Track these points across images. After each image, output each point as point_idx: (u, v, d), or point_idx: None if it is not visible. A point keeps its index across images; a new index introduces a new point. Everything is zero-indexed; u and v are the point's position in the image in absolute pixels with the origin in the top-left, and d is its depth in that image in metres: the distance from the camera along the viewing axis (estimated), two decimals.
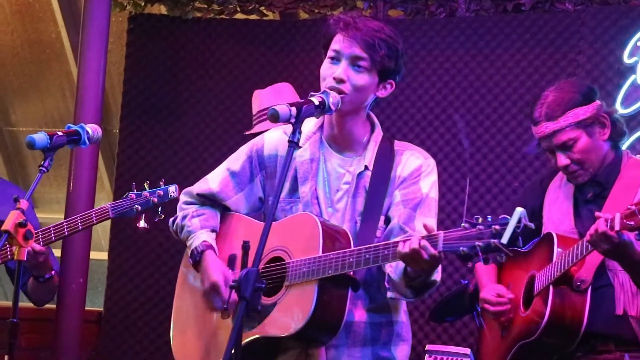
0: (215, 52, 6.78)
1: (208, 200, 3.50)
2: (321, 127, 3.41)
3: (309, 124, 3.40)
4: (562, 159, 3.78)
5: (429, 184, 3.33)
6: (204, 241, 3.41)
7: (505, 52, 6.11)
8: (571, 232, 3.79)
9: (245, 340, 3.18)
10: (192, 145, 6.74)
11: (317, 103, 3.11)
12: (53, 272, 4.28)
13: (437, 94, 6.23)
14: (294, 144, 3.02)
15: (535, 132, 3.85)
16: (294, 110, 3.03)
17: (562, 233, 3.79)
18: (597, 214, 3.46)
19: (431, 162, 3.38)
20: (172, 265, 6.65)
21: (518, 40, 6.08)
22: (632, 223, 3.27)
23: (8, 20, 7.98)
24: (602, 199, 3.77)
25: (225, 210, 3.51)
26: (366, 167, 3.33)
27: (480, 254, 2.83)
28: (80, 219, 4.18)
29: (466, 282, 5.13)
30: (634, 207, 3.28)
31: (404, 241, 3.01)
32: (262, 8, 6.75)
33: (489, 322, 4.06)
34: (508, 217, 2.81)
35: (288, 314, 3.18)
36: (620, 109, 5.62)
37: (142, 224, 4.22)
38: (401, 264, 3.14)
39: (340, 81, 3.23)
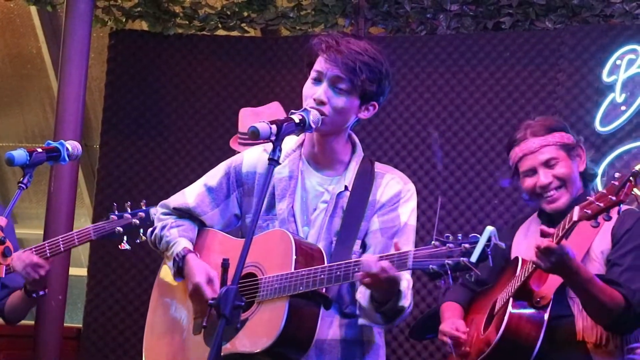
0: (197, 69, 6.78)
1: (185, 214, 3.50)
2: (301, 144, 3.41)
3: (290, 142, 3.39)
4: (545, 176, 3.83)
5: (408, 211, 3.32)
6: (185, 247, 3.40)
7: (485, 70, 6.13)
8: None
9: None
10: (174, 161, 6.73)
11: (297, 121, 3.11)
12: (46, 290, 4.28)
13: (418, 111, 6.25)
14: (274, 162, 3.00)
15: (517, 152, 3.91)
16: (274, 128, 3.02)
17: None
18: (541, 228, 3.52)
19: (411, 188, 3.37)
20: (152, 282, 6.62)
21: (498, 58, 6.11)
22: (589, 212, 3.32)
23: None
24: (568, 234, 3.80)
25: (201, 225, 3.51)
26: (346, 188, 3.32)
27: (449, 272, 2.83)
28: (62, 241, 4.18)
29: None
30: (592, 197, 3.34)
31: (366, 262, 3.00)
32: (243, 25, 6.76)
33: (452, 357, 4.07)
34: (478, 235, 2.81)
35: (259, 330, 3.17)
36: (599, 127, 5.66)
37: (124, 245, 4.22)
38: (369, 290, 3.13)
39: (320, 103, 3.23)
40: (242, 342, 3.19)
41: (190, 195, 3.49)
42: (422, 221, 6.06)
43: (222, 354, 3.17)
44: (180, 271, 3.39)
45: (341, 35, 3.34)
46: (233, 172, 3.45)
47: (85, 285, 6.80)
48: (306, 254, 3.20)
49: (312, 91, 3.26)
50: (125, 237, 4.22)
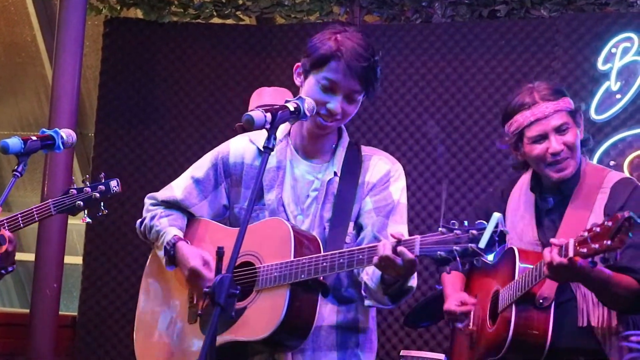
0: (192, 57, 6.78)
1: (174, 206, 3.50)
2: (288, 134, 3.42)
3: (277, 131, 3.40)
4: (557, 143, 3.69)
5: (399, 190, 3.35)
6: (175, 235, 3.39)
7: (480, 58, 6.13)
8: (534, 244, 3.78)
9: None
10: (168, 149, 6.72)
11: (292, 109, 3.10)
12: (15, 266, 4.22)
13: (413, 100, 6.25)
14: (269, 150, 3.00)
15: (528, 117, 3.73)
16: (269, 116, 3.01)
17: (525, 244, 3.79)
18: (551, 240, 3.46)
19: (399, 167, 3.40)
20: None
21: (493, 46, 6.11)
22: (585, 250, 3.26)
23: None
24: (563, 207, 3.76)
25: (190, 217, 3.50)
26: (335, 174, 3.34)
27: (457, 258, 2.85)
28: (21, 217, 4.11)
29: (441, 287, 5.15)
30: (586, 234, 3.27)
31: (382, 246, 3.00)
32: (238, 13, 6.75)
33: (458, 332, 4.07)
34: (484, 222, 2.83)
35: (258, 319, 3.17)
36: (594, 115, 5.67)
37: (86, 219, 4.17)
38: (377, 272, 3.14)
39: (336, 114, 3.26)
40: (242, 330, 3.19)
41: (177, 188, 3.48)
42: (417, 209, 6.07)
43: (220, 342, 3.17)
44: (172, 259, 3.39)
45: (343, 28, 3.32)
46: (220, 163, 3.44)
47: (80, 273, 6.80)
48: (303, 242, 3.21)
49: (323, 99, 3.25)
50: (86, 211, 4.16)
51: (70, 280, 7.54)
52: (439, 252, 2.88)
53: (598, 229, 3.24)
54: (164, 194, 3.51)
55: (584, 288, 3.65)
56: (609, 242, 3.19)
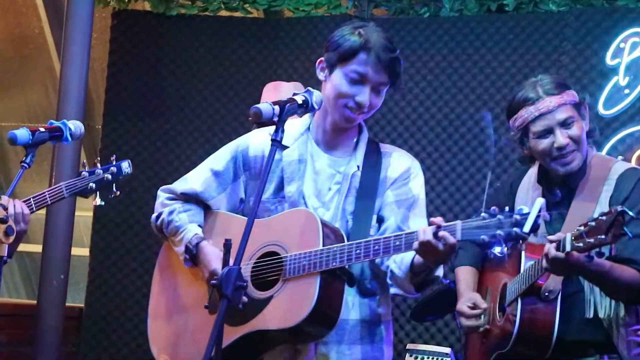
0: (199, 49, 6.78)
1: (191, 198, 3.49)
2: (308, 128, 3.43)
3: (297, 125, 3.42)
4: (563, 137, 3.67)
5: (418, 186, 3.42)
6: (196, 234, 3.40)
7: (488, 52, 6.13)
8: (542, 236, 3.78)
9: (239, 335, 3.20)
10: (175, 141, 6.73)
11: (300, 102, 3.12)
12: (11, 258, 4.21)
13: (421, 93, 6.25)
14: (277, 143, 3.02)
15: (532, 112, 3.70)
16: (277, 108, 3.03)
17: (533, 238, 3.78)
18: (548, 237, 3.45)
19: (417, 164, 3.47)
20: (154, 262, 6.61)
21: (501, 40, 6.10)
22: (581, 245, 3.25)
23: None
24: (570, 199, 3.74)
25: (207, 209, 3.50)
26: (358, 167, 3.37)
27: (502, 242, 2.90)
28: (34, 200, 4.09)
29: (447, 281, 5.14)
30: (582, 229, 3.26)
31: (422, 231, 3.02)
32: (246, 5, 6.75)
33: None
34: (524, 207, 2.91)
35: (287, 307, 3.17)
36: (602, 110, 5.66)
37: (97, 201, 4.15)
38: (406, 260, 3.18)
39: (364, 106, 3.29)
40: (269, 320, 3.19)
41: (196, 181, 3.48)
42: (437, 203, 6.07)
43: (246, 332, 3.21)
44: (193, 258, 3.39)
45: (362, 23, 3.37)
46: (240, 156, 3.45)
47: (87, 265, 6.81)
48: (329, 233, 3.22)
49: (351, 91, 3.28)
50: (97, 193, 4.14)
51: (77, 272, 7.54)
52: (482, 237, 2.92)
53: (593, 223, 3.23)
54: (181, 186, 3.50)
55: None
56: (603, 237, 3.19)
